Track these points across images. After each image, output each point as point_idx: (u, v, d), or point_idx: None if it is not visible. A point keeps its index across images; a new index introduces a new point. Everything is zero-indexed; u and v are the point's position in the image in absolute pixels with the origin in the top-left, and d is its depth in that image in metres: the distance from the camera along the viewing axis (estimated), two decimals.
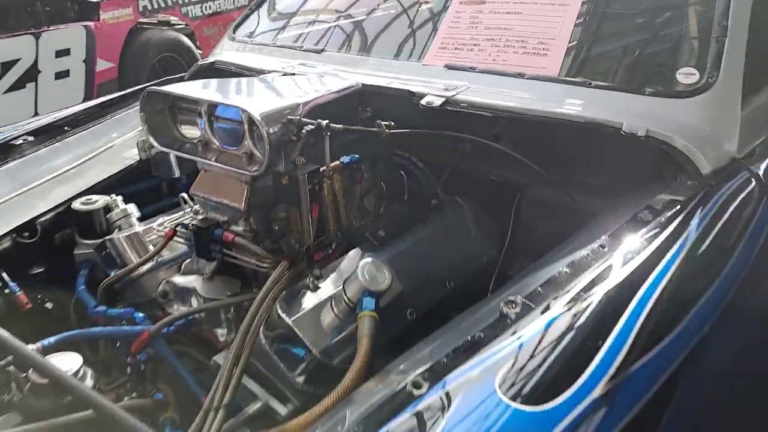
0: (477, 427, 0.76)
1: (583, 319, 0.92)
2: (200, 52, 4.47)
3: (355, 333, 1.11)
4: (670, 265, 1.00)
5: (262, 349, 1.19)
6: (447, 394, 0.81)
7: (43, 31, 3.53)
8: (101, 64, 3.86)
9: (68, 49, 3.64)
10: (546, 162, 1.36)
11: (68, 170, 1.67)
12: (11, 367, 1.19)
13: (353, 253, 1.32)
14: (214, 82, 1.46)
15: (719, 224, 1.15)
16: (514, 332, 0.90)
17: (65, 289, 1.49)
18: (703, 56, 1.37)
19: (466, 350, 0.87)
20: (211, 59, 1.98)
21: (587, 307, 0.93)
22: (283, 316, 1.16)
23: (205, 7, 4.62)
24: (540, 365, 0.85)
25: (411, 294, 1.28)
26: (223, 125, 1.29)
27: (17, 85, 3.40)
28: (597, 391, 0.82)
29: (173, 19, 4.60)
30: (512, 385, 0.81)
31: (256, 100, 1.29)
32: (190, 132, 1.37)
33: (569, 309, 0.93)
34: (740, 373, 1.25)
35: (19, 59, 3.40)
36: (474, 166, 1.55)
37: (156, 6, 4.25)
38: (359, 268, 1.16)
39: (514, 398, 0.79)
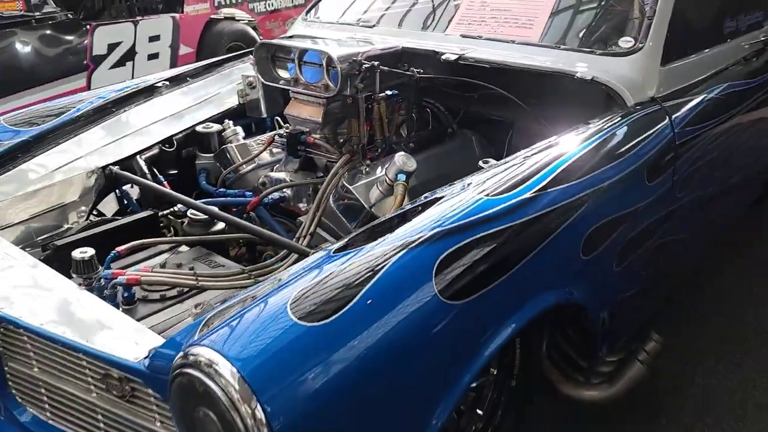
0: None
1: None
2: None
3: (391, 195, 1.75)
4: (579, 151, 1.61)
5: (330, 210, 1.84)
6: None
7: (140, 20, 4.28)
8: (183, 49, 4.59)
9: (159, 35, 4.38)
10: (527, 102, 1.98)
11: (191, 106, 2.35)
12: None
13: (400, 155, 1.95)
14: (300, 40, 2.13)
15: (626, 130, 1.75)
16: None
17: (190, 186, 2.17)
18: (638, 30, 1.98)
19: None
20: (289, 34, 2.65)
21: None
22: (346, 185, 1.82)
23: (268, 4, 5.36)
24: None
25: (429, 184, 1.91)
26: (309, 66, 1.95)
27: (119, 63, 4.15)
28: None
29: (238, 14, 5.33)
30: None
31: (332, 48, 1.94)
32: (284, 72, 2.04)
33: None
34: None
35: (121, 42, 4.15)
36: (479, 108, 2.17)
37: (228, 2, 4.98)
38: (396, 157, 1.80)
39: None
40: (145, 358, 1.16)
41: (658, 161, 1.79)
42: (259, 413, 0.98)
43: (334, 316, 1.09)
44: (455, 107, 2.19)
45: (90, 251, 1.50)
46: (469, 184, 1.47)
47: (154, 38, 4.35)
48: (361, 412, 1.13)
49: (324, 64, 1.89)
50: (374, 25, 2.44)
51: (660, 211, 1.85)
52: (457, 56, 2.05)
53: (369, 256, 1.21)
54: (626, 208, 1.67)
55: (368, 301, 1.12)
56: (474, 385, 1.62)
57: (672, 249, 2.05)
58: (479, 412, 1.72)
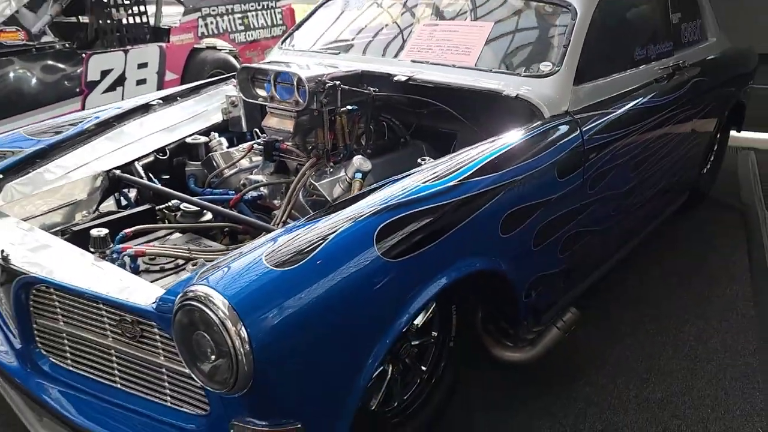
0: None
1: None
2: None
3: (350, 191, 2.13)
4: (499, 151, 2.00)
5: (300, 204, 2.21)
6: None
7: (130, 49, 4.67)
8: (169, 75, 4.97)
9: (147, 62, 4.77)
10: (468, 116, 2.38)
11: (182, 121, 2.72)
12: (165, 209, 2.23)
13: (357, 157, 2.31)
14: (276, 64, 2.52)
15: (541, 136, 2.15)
16: None
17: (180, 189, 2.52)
18: (556, 56, 2.40)
19: None
20: (267, 60, 3.04)
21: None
22: (313, 182, 2.19)
23: (248, 35, 5.77)
24: None
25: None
26: (282, 86, 2.33)
27: (111, 88, 4.52)
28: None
29: (219, 43, 5.74)
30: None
31: (301, 70, 2.32)
32: (262, 91, 2.42)
33: None
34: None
35: (112, 68, 4.52)
36: (428, 122, 2.57)
37: (210, 32, 5.38)
38: (354, 159, 2.18)
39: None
40: (153, 302, 1.52)
41: (568, 161, 2.18)
42: (243, 333, 1.34)
43: (297, 264, 1.45)
44: (408, 121, 2.59)
45: (105, 230, 1.86)
46: (408, 176, 1.86)
47: (142, 65, 4.72)
48: (317, 340, 1.48)
49: (295, 84, 2.27)
50: (339, 53, 2.85)
51: (573, 203, 2.24)
52: (407, 77, 2.45)
53: (325, 224, 1.58)
54: (539, 198, 2.06)
55: (317, 262, 1.48)
56: (417, 343, 1.99)
57: (588, 239, 2.44)
58: (423, 368, 2.08)
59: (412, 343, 1.97)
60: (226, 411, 1.49)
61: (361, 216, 1.61)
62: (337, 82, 2.26)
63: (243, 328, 1.34)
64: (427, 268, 1.70)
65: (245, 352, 1.34)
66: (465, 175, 1.86)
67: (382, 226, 1.60)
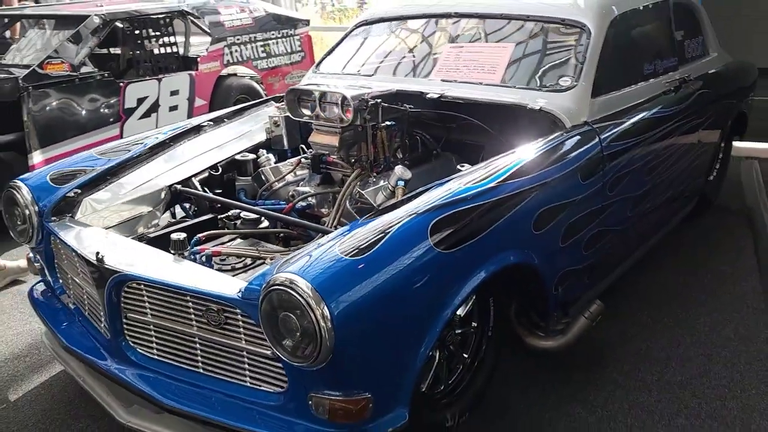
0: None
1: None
2: (266, 93, 5.87)
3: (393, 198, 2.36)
4: (530, 157, 2.24)
5: (347, 211, 2.44)
6: None
7: (163, 78, 4.95)
8: (198, 101, 5.24)
9: (178, 90, 5.04)
10: (494, 128, 2.62)
11: (230, 140, 2.97)
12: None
13: (398, 167, 2.53)
14: (319, 85, 2.76)
15: (565, 144, 2.39)
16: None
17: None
18: (573, 72, 2.65)
19: None
20: (303, 83, 3.30)
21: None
22: (360, 190, 2.43)
23: (269, 62, 6.06)
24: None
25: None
26: (327, 104, 2.57)
27: (146, 114, 4.79)
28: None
29: (240, 70, 6.03)
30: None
31: (345, 90, 2.57)
32: (307, 110, 2.66)
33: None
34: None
35: (147, 96, 4.80)
36: (457, 136, 2.82)
37: (235, 60, 5.67)
38: (396, 168, 2.42)
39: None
40: (238, 292, 1.74)
41: (590, 166, 2.41)
42: (326, 312, 1.56)
43: (366, 254, 1.68)
44: (438, 135, 2.84)
45: (183, 234, 2.09)
46: (451, 180, 2.09)
47: (174, 92, 4.99)
48: (383, 321, 1.70)
49: (339, 102, 2.52)
50: (372, 75, 3.10)
51: (595, 204, 2.47)
52: (438, 95, 2.70)
53: (385, 219, 1.82)
54: (566, 198, 2.29)
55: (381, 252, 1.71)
56: (460, 332, 2.20)
57: (609, 238, 2.66)
58: (465, 355, 2.29)
59: (456, 332, 2.18)
60: (305, 385, 1.70)
61: (417, 212, 1.85)
62: (379, 100, 2.51)
63: (325, 307, 1.56)
64: (471, 260, 1.93)
65: (327, 329, 1.56)
66: (502, 178, 2.09)
67: (435, 221, 1.83)
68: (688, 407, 2.34)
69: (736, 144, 4.57)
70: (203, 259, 2.08)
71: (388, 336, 1.74)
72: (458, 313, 2.16)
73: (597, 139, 2.50)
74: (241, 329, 1.81)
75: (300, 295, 1.57)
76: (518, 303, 2.43)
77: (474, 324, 2.29)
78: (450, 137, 2.84)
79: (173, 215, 2.79)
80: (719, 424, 2.25)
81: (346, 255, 1.68)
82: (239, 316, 1.79)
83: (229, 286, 1.80)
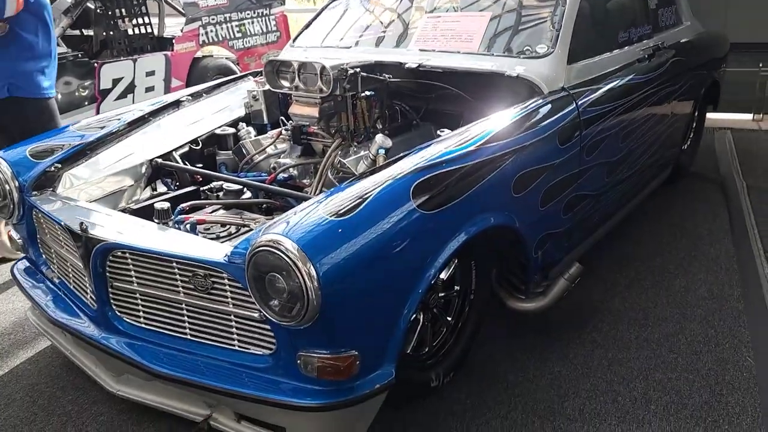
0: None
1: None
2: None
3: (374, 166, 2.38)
4: (509, 121, 2.28)
5: (329, 180, 2.47)
6: None
7: (138, 58, 4.90)
8: (174, 82, 5.22)
9: (154, 70, 5.00)
10: (473, 97, 2.65)
11: (209, 115, 2.97)
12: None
13: (379, 136, 2.55)
14: (296, 54, 2.77)
15: (542, 109, 2.43)
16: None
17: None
18: (550, 39, 2.68)
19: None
20: (280, 57, 3.29)
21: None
22: (341, 159, 2.45)
23: (245, 42, 6.03)
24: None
25: None
26: (306, 75, 2.58)
27: (122, 95, 4.76)
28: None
29: (216, 50, 5.99)
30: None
31: (325, 60, 2.58)
32: (286, 83, 2.67)
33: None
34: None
35: (123, 77, 4.76)
36: (436, 106, 2.84)
37: (211, 40, 5.63)
38: (377, 137, 2.44)
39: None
40: (225, 256, 1.76)
41: (567, 130, 2.46)
42: (312, 271, 1.59)
43: (350, 215, 1.70)
44: (418, 106, 2.86)
45: (167, 204, 2.10)
46: (431, 144, 2.12)
47: (150, 73, 4.96)
48: (369, 280, 1.73)
49: (318, 73, 2.53)
50: (350, 47, 3.11)
51: (572, 168, 2.52)
52: (417, 64, 2.72)
53: (367, 183, 1.84)
54: (544, 162, 2.33)
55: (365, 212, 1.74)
56: (443, 295, 2.25)
57: (587, 202, 2.72)
58: (449, 318, 2.34)
59: (440, 295, 2.23)
60: (293, 344, 1.73)
61: (399, 174, 1.87)
62: (358, 69, 2.52)
63: (312, 267, 1.59)
64: (452, 222, 1.96)
65: (314, 288, 1.59)
66: (482, 141, 2.12)
67: (417, 182, 1.86)
68: (665, 362, 2.42)
69: (710, 115, 4.66)
70: (188, 227, 2.09)
71: (373, 295, 1.77)
72: (441, 276, 2.20)
73: (574, 105, 2.54)
74: (228, 293, 1.83)
75: (286, 255, 1.59)
76: (500, 267, 2.48)
77: (456, 287, 2.33)
78: (429, 107, 2.87)
79: (154, 190, 2.79)
80: (695, 377, 2.33)
81: (331, 216, 1.70)
82: (226, 280, 1.81)
83: (216, 251, 1.82)
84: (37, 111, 3.27)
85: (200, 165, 2.79)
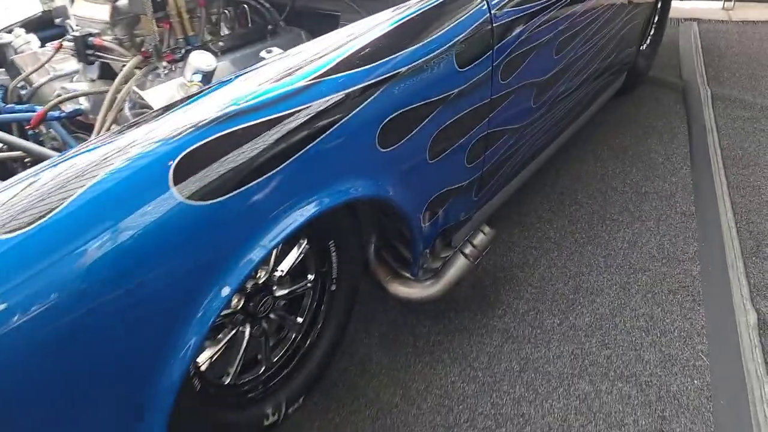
0: None
1: None
2: None
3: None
4: (376, 35, 1.50)
5: (125, 117, 1.68)
6: None
7: None
8: None
9: None
10: None
11: None
12: None
13: (195, 53, 1.78)
14: None
15: (436, 11, 1.64)
16: None
17: None
18: None
19: None
20: None
21: None
22: (135, 89, 1.65)
23: None
24: None
25: None
26: None
27: None
28: None
29: None
30: None
31: None
32: None
33: None
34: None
35: None
36: (306, 2, 2.02)
37: None
38: (190, 55, 1.64)
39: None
40: None
41: (471, 45, 1.68)
42: None
43: (31, 227, 0.96)
44: (281, 2, 2.03)
45: None
46: (241, 77, 1.33)
47: None
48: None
49: None
50: None
51: (481, 99, 1.77)
52: None
53: (91, 159, 1.07)
54: (432, 96, 1.57)
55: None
56: (285, 293, 1.56)
57: (505, 140, 2.00)
58: (299, 320, 1.66)
59: (276, 295, 1.54)
60: None
61: (152, 145, 1.10)
62: None
63: None
64: (258, 213, 1.23)
65: None
66: (321, 71, 1.34)
67: (181, 157, 1.10)
68: (594, 363, 1.81)
69: (675, 4, 3.87)
70: None
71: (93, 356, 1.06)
72: (280, 268, 1.52)
73: (483, 4, 1.75)
74: None
75: None
76: (379, 238, 1.79)
77: (310, 277, 1.64)
78: (297, 4, 2.05)
79: None
80: (638, 391, 1.74)
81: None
82: None
83: None
84: None
85: None
